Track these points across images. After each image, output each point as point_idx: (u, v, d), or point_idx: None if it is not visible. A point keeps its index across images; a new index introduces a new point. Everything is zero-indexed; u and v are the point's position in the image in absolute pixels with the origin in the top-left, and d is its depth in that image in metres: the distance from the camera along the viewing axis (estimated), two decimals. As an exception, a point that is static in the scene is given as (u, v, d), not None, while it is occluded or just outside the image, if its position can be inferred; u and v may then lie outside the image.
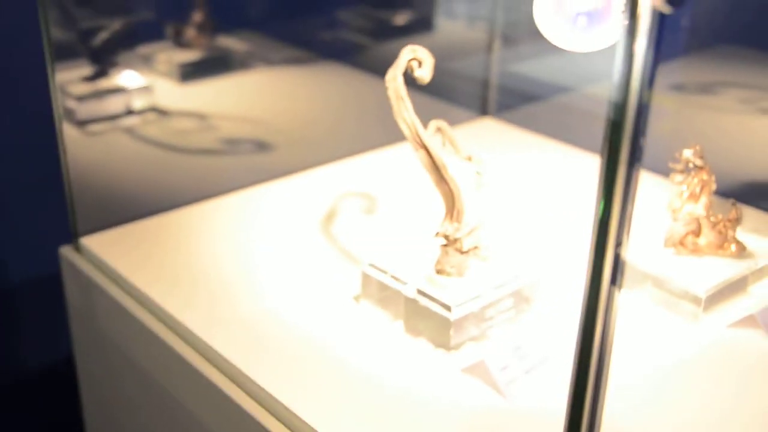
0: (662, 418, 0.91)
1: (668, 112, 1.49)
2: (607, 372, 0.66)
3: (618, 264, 0.63)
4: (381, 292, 1.06)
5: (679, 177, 1.12)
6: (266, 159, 1.50)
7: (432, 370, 0.97)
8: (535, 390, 0.94)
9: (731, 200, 1.14)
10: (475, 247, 1.05)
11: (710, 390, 0.95)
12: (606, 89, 0.60)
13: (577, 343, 0.65)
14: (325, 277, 1.15)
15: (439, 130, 1.01)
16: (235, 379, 0.99)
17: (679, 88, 1.58)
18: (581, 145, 1.55)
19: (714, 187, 1.11)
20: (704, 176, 1.11)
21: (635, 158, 0.60)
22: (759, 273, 1.13)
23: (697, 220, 1.11)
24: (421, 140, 0.98)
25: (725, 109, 1.52)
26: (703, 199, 1.11)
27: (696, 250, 1.12)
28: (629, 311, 1.09)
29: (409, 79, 0.96)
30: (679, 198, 1.12)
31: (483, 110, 1.73)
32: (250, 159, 1.50)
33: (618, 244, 0.63)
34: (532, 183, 1.45)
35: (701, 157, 1.10)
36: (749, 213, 1.31)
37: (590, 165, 1.50)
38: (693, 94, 1.58)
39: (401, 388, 0.94)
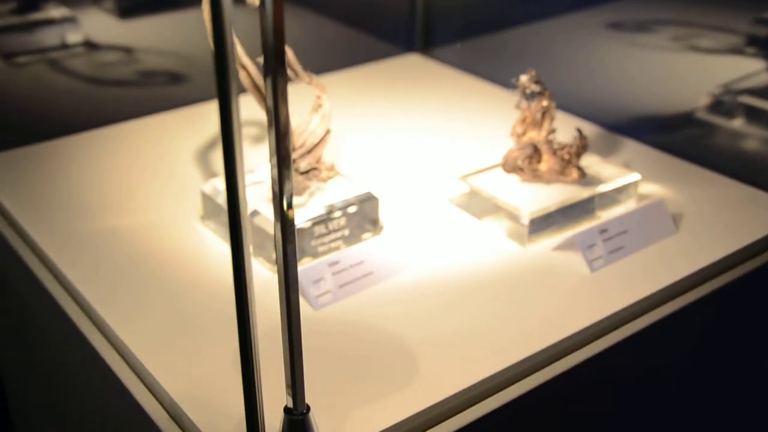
0: (453, 329, 0.93)
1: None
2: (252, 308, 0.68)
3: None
4: (223, 214, 1.08)
5: (524, 103, 1.12)
6: (179, 89, 1.53)
7: (263, 287, 0.99)
8: (342, 304, 0.98)
9: (577, 129, 1.14)
10: (314, 168, 1.07)
11: (504, 302, 0.98)
12: None
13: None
14: (188, 200, 1.18)
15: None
16: (72, 293, 1.02)
17: (616, 26, 1.56)
18: (503, 83, 1.57)
19: (554, 113, 1.11)
20: (544, 102, 1.11)
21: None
22: (601, 198, 1.13)
23: (534, 146, 1.11)
24: (240, 61, 1.01)
25: (656, 47, 1.50)
26: (546, 126, 1.11)
27: (538, 176, 1.13)
28: (470, 234, 1.11)
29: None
30: (521, 124, 1.12)
31: (410, 46, 1.74)
32: (162, 89, 1.53)
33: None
34: (430, 116, 1.46)
35: (537, 83, 1.09)
36: (641, 148, 1.31)
37: (505, 101, 1.50)
38: (629, 32, 1.56)
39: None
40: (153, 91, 1.51)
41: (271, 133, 0.66)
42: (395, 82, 1.60)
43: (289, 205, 0.68)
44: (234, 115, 0.61)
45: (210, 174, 1.25)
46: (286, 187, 0.67)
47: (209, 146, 1.34)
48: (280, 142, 0.66)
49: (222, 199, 1.08)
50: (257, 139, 1.33)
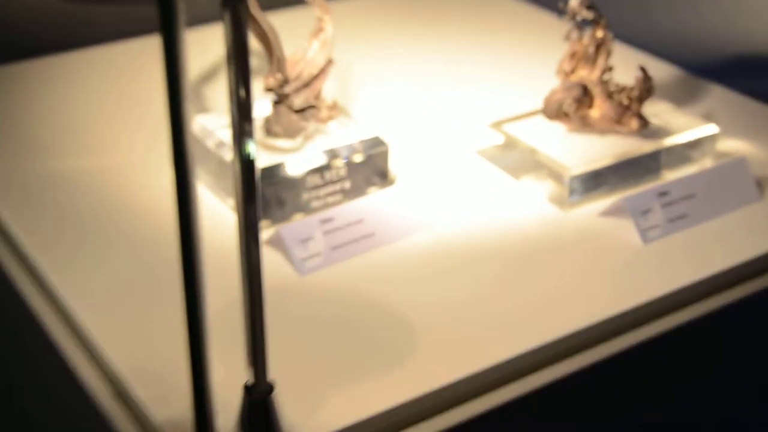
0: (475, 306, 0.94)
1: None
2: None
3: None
4: (212, 160, 1.10)
5: (575, 34, 1.11)
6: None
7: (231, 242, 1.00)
8: (330, 269, 0.98)
9: (640, 67, 1.12)
10: (311, 107, 1.08)
11: (536, 274, 0.98)
12: None
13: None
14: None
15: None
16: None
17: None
18: (552, 7, 1.53)
19: (611, 47, 1.10)
20: (599, 33, 1.09)
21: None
22: (668, 155, 1.12)
23: (584, 87, 1.10)
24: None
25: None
26: (601, 62, 1.10)
27: (587, 125, 1.12)
28: (500, 193, 1.11)
29: None
30: (570, 60, 1.11)
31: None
32: (145, 8, 1.54)
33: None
34: (459, 48, 1.46)
35: (591, 8, 1.08)
36: (726, 95, 1.30)
37: (555, 30, 1.48)
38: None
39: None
40: (133, 10, 1.53)
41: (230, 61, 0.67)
42: (417, 6, 1.60)
43: (246, 135, 0.68)
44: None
45: (199, 109, 1.25)
46: (243, 117, 0.68)
47: (201, 78, 1.35)
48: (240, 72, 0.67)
49: (212, 141, 1.08)
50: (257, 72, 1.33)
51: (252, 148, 0.68)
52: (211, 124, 1.11)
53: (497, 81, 1.36)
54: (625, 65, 1.21)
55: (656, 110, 1.17)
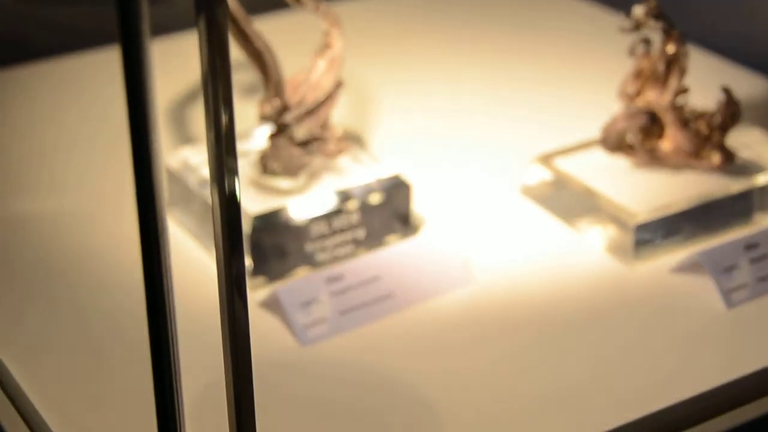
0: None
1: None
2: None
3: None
4: (195, 200, 1.10)
5: (640, 48, 1.09)
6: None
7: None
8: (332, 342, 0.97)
9: (724, 88, 1.10)
10: (317, 138, 1.06)
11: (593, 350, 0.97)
12: None
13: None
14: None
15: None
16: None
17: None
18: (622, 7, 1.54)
19: (686, 65, 1.08)
20: (670, 48, 1.07)
21: None
22: (762, 196, 1.11)
23: (652, 113, 1.08)
24: None
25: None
26: (674, 83, 1.08)
27: (657, 159, 1.10)
28: (549, 243, 1.11)
29: None
30: (634, 80, 1.09)
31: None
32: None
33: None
34: (497, 62, 1.45)
35: (659, 17, 1.06)
36: None
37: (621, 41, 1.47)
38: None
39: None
40: (101, 17, 1.51)
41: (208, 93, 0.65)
42: (447, 10, 1.60)
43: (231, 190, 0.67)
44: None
45: (181, 139, 1.25)
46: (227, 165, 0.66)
47: (182, 98, 1.35)
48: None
49: (195, 178, 1.08)
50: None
51: (236, 185, 0.66)
52: (196, 159, 1.10)
53: (547, 103, 1.35)
54: (707, 82, 1.19)
55: (745, 140, 1.15)
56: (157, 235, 0.66)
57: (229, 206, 0.68)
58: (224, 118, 0.64)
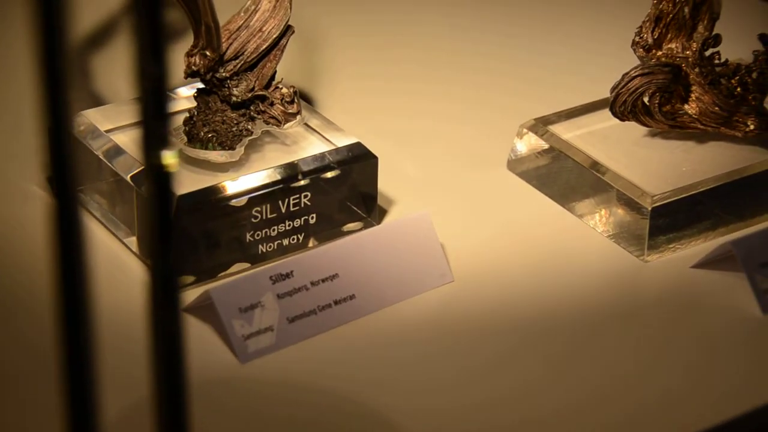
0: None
1: None
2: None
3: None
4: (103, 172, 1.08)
5: None
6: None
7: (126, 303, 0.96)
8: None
9: (761, 35, 1.08)
10: (260, 96, 1.04)
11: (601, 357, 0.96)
12: None
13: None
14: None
15: None
16: None
17: None
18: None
19: (718, 7, 1.06)
20: (696, -13, 1.06)
21: None
22: None
23: (676, 67, 1.06)
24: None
25: None
26: (701, 30, 1.07)
27: (679, 126, 1.09)
28: (543, 229, 1.09)
29: None
30: (654, 27, 1.07)
31: None
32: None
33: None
34: (484, 12, 1.44)
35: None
36: None
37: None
38: None
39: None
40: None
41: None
42: None
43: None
44: None
45: (90, 99, 1.22)
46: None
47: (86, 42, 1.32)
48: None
49: (99, 145, 1.06)
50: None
51: (169, 159, 0.61)
52: (105, 121, 1.09)
53: (543, 60, 1.34)
54: (743, 30, 1.19)
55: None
56: (72, 222, 0.60)
57: (160, 187, 0.62)
58: (155, 70, 0.59)
